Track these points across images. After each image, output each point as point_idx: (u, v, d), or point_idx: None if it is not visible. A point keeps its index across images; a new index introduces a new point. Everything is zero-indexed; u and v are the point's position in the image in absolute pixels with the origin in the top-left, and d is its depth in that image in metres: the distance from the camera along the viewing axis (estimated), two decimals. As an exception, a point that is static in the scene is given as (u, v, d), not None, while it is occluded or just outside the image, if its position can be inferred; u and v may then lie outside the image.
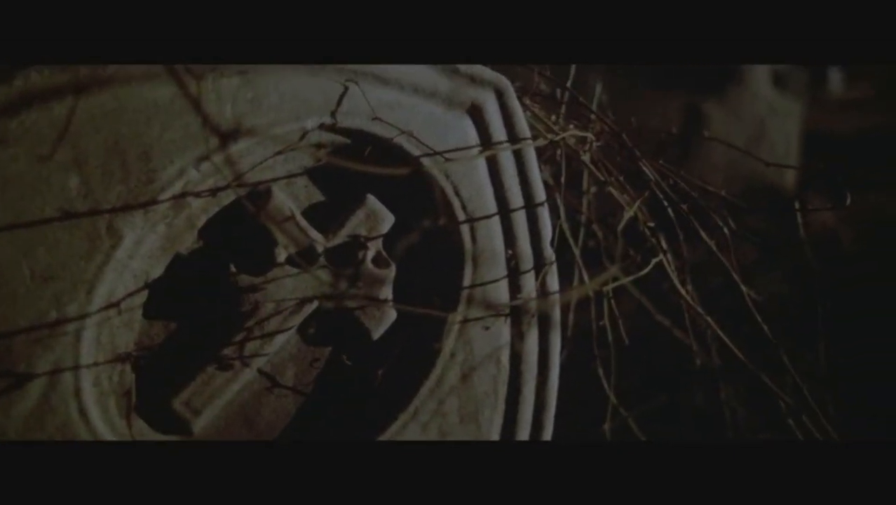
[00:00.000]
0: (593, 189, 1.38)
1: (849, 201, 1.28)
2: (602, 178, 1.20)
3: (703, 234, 1.28)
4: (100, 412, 0.89)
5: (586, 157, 1.20)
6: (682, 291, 1.20)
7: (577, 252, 1.33)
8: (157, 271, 0.91)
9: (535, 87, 1.18)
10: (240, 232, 0.96)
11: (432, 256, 1.03)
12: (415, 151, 0.98)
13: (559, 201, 1.28)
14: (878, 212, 5.84)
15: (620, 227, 1.02)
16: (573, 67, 1.26)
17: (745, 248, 4.53)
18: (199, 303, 0.96)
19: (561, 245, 1.41)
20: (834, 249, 4.66)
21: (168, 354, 0.96)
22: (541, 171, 1.25)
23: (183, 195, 0.90)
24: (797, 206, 1.60)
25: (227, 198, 0.94)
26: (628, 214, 1.04)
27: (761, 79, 5.02)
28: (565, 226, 1.35)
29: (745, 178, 5.12)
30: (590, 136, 1.17)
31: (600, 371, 1.45)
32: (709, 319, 1.25)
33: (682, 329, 1.63)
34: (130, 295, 0.90)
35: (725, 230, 1.30)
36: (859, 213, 6.03)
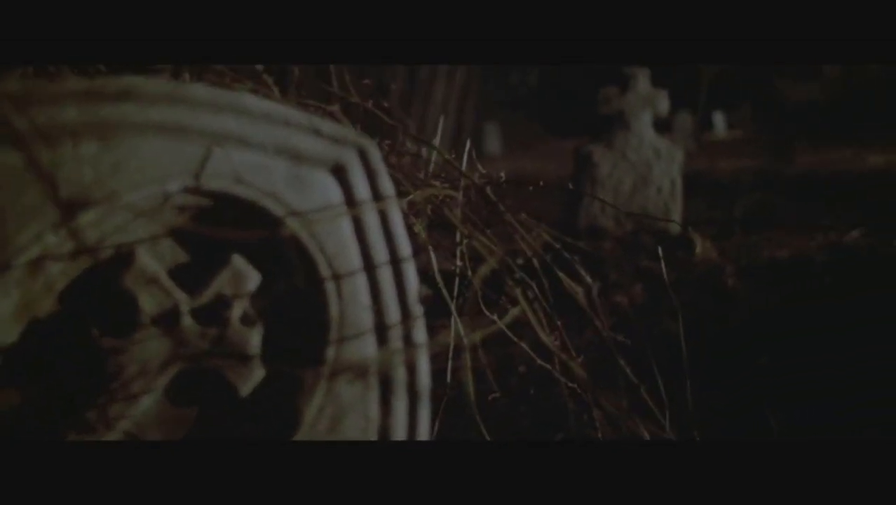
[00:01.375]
0: (466, 241, 1.42)
1: (698, 249, 1.36)
2: (465, 234, 1.25)
3: (567, 283, 1.33)
4: (-50, 485, 0.86)
5: (455, 213, 1.24)
6: (546, 340, 1.25)
7: (451, 304, 1.37)
8: (11, 338, 0.90)
9: (400, 144, 1.22)
10: (102, 294, 0.96)
11: (299, 312, 1.05)
12: (279, 212, 1.01)
13: (432, 254, 1.32)
14: (756, 249, 6.14)
15: (477, 279, 1.07)
16: (441, 124, 1.30)
17: (636, 288, 4.67)
18: (60, 367, 0.95)
19: (438, 297, 1.45)
20: (718, 286, 4.87)
21: (27, 420, 0.94)
22: (415, 224, 1.29)
23: (40, 259, 0.89)
24: (660, 252, 1.68)
25: (89, 261, 0.94)
26: (485, 269, 1.08)
27: (645, 124, 5.26)
28: (438, 277, 1.39)
29: (634, 218, 5.32)
30: (457, 194, 1.21)
31: (477, 417, 1.48)
32: (572, 363, 1.30)
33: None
34: (-17, 362, 0.88)
35: (588, 279, 1.36)
36: (741, 250, 6.33)
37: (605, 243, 5.02)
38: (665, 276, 1.63)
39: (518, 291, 1.30)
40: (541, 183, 1.56)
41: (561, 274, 1.34)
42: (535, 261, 1.35)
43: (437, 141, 1.34)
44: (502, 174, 1.44)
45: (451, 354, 1.52)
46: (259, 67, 1.13)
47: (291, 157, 1.01)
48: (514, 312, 1.17)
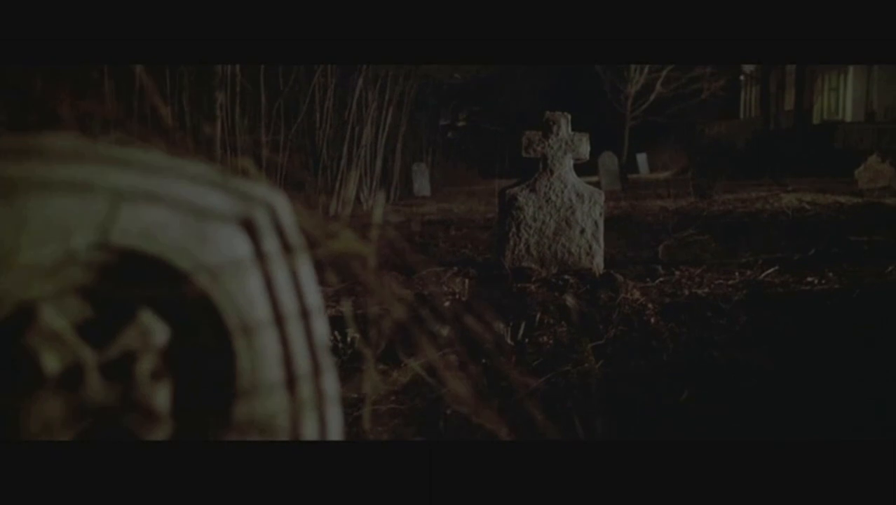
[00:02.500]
0: (382, 290, 1.44)
1: (602, 295, 1.41)
2: (380, 283, 1.27)
3: (476, 330, 1.36)
4: None
5: (369, 262, 1.26)
6: (447, 391, 1.28)
7: (369, 356, 1.39)
8: None
9: (311, 199, 1.24)
10: (3, 353, 0.95)
11: (209, 367, 1.05)
12: (188, 267, 1.01)
13: (348, 307, 1.34)
14: (678, 288, 6.30)
15: (391, 326, 1.09)
16: (352, 175, 1.33)
17: (561, 328, 4.74)
18: (-41, 428, 0.93)
19: (356, 344, 1.46)
20: (641, 325, 4.98)
21: (-77, 484, 0.92)
22: (328, 273, 1.30)
23: (-62, 319, 0.88)
24: (569, 301, 1.73)
25: (-10, 319, 0.93)
26: (397, 316, 1.11)
27: (568, 168, 5.40)
28: (354, 328, 1.40)
29: (559, 259, 5.42)
30: (369, 246, 1.24)
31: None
32: (476, 414, 1.33)
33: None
34: None
35: (499, 325, 1.39)
36: (665, 288, 6.47)
37: (530, 284, 5.11)
38: (574, 318, 1.69)
39: (429, 338, 1.32)
40: (452, 231, 1.59)
41: (470, 321, 1.37)
42: (452, 306, 1.38)
43: (352, 191, 1.36)
44: (416, 227, 1.47)
45: (367, 401, 1.53)
46: (171, 123, 1.14)
47: (200, 213, 1.03)
48: (415, 364, 1.19)
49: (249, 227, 1.06)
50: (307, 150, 12.95)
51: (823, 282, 6.56)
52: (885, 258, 7.39)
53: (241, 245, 1.05)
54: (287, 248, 1.08)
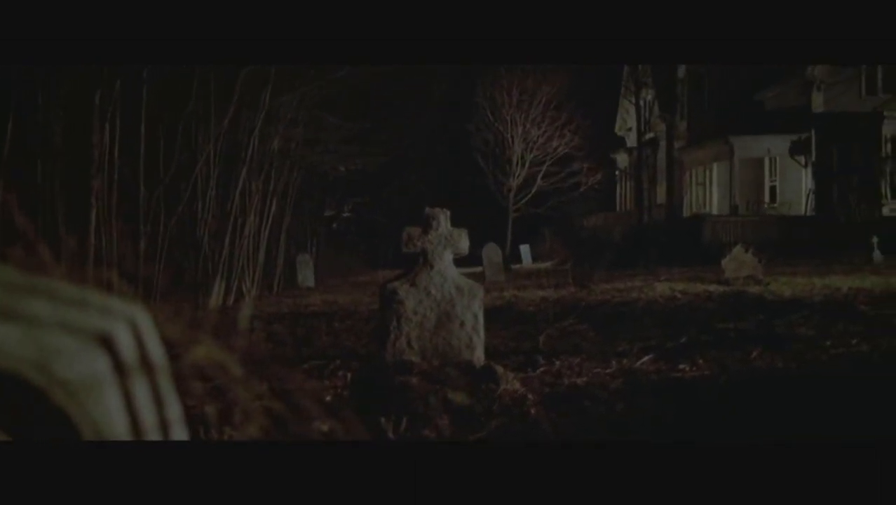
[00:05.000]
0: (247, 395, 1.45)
1: (485, 391, 1.46)
2: (247, 392, 1.28)
3: (319, 428, 1.39)
4: None
5: (234, 369, 1.28)
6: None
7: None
8: None
9: (190, 292, 1.26)
10: None
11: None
12: (43, 383, 1.01)
13: (208, 411, 1.34)
14: (557, 378, 6.44)
15: (255, 432, 1.10)
16: (218, 284, 1.35)
17: (443, 421, 4.76)
18: None
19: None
20: (522, 415, 5.06)
21: None
22: (192, 382, 1.30)
23: None
24: (448, 395, 1.78)
25: None
26: (258, 424, 1.12)
27: (448, 262, 5.52)
28: (229, 429, 1.40)
29: (440, 352, 5.48)
30: (228, 356, 1.25)
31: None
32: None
33: None
34: None
35: (387, 427, 1.42)
36: (545, 378, 6.60)
37: (412, 377, 5.13)
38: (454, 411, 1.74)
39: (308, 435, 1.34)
40: (336, 323, 1.63)
41: (351, 415, 1.39)
42: (333, 401, 1.40)
43: (215, 298, 1.38)
44: (299, 319, 1.50)
45: None
46: (32, 235, 1.14)
47: (57, 329, 1.02)
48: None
49: (108, 343, 1.06)
50: (188, 240, 12.73)
51: (694, 368, 6.84)
52: (750, 344, 7.78)
53: (98, 361, 1.05)
54: (147, 361, 1.08)
